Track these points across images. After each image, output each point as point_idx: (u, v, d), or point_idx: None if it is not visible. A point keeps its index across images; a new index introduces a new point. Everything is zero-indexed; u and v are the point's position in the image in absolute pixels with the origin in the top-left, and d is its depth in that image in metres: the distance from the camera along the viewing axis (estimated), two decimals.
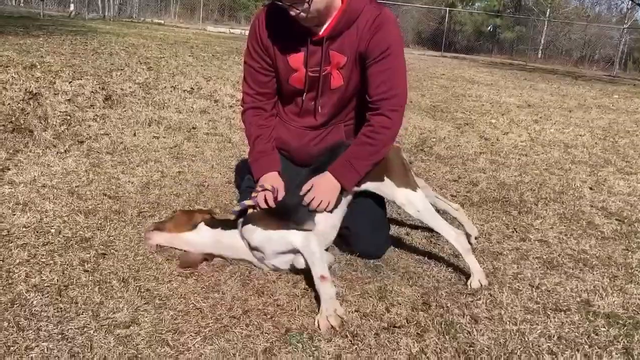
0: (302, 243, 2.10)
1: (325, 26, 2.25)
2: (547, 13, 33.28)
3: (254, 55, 2.41)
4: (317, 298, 2.06)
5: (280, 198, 2.32)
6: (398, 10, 33.99)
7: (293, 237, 2.13)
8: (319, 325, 1.87)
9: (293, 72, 2.35)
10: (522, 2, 36.57)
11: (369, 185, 2.33)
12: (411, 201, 2.28)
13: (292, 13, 2.13)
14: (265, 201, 2.29)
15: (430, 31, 34.10)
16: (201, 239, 2.28)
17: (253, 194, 2.33)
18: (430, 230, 2.87)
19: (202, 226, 2.30)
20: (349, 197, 2.39)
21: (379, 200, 2.47)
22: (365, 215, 2.44)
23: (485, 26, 35.73)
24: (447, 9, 30.85)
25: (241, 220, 2.28)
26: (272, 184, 2.35)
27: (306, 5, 2.09)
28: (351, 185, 2.30)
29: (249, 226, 2.20)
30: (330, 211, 2.28)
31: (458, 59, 23.10)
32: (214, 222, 2.34)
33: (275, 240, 2.16)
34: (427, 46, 30.54)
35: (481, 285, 2.23)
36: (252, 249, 2.22)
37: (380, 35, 2.22)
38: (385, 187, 2.31)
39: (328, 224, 2.29)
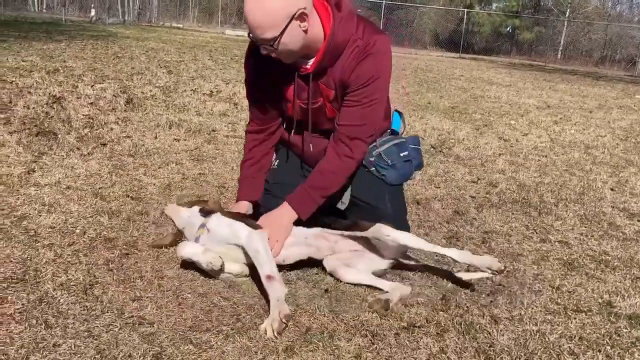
0: (247, 238, 2.11)
1: (312, 60, 2.21)
2: (567, 13, 32.94)
3: (252, 81, 2.43)
4: (337, 299, 2.08)
5: None
6: (415, 12, 33.92)
7: (241, 229, 2.14)
8: (265, 331, 1.82)
9: (288, 102, 2.36)
10: (541, 3, 36.23)
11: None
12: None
13: (263, 52, 2.11)
14: None
15: (448, 32, 33.94)
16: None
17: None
18: (450, 231, 2.88)
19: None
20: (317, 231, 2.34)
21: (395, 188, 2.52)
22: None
23: (504, 27, 35.47)
24: (465, 10, 30.71)
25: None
26: None
27: (272, 48, 2.06)
28: (307, 215, 2.28)
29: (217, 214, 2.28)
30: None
31: (476, 60, 22.97)
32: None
33: (224, 227, 2.18)
34: (445, 47, 30.40)
35: (499, 270, 2.14)
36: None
37: (363, 68, 2.17)
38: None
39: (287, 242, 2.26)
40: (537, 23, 33.24)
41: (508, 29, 35.71)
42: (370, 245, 2.29)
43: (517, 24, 34.42)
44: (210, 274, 2.15)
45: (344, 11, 2.17)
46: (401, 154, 2.58)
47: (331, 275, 2.23)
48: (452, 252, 2.21)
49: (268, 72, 2.31)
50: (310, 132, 2.44)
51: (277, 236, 2.22)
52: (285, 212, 2.28)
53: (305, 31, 2.08)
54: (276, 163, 2.68)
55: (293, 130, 2.47)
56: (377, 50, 2.17)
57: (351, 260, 2.25)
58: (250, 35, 2.10)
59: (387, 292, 2.12)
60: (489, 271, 2.16)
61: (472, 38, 33.85)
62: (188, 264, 2.21)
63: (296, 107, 2.34)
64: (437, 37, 34.31)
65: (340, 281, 2.20)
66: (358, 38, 2.16)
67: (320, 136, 2.48)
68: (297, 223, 2.31)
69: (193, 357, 1.67)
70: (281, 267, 2.21)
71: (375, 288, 2.17)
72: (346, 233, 2.30)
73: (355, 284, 2.18)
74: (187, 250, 2.13)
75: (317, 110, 2.35)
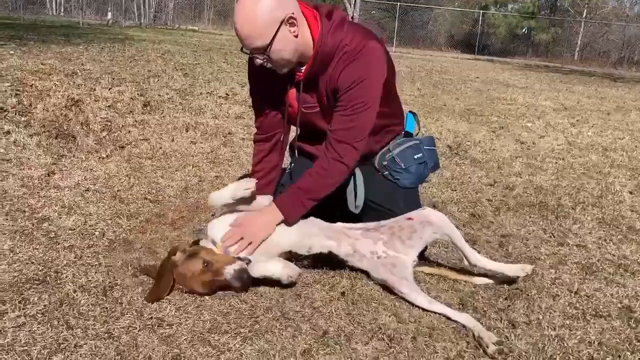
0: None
1: (304, 68, 2.22)
2: (584, 14, 32.60)
3: (255, 90, 2.46)
4: (354, 302, 2.08)
5: None
6: (430, 14, 33.79)
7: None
8: None
9: (289, 108, 2.38)
10: (558, 3, 35.92)
11: None
12: None
13: (257, 62, 2.13)
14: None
15: (463, 34, 33.79)
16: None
17: None
18: (467, 234, 2.87)
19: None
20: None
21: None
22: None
23: (520, 28, 35.20)
24: (481, 11, 30.53)
25: None
26: None
27: (265, 56, 2.08)
28: (294, 218, 2.25)
29: None
30: None
31: (492, 62, 22.84)
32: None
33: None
34: (460, 49, 30.25)
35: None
36: None
37: (348, 71, 2.16)
38: None
39: None
40: (554, 24, 32.92)
41: (524, 30, 35.44)
42: (392, 239, 2.27)
43: (533, 25, 34.13)
44: (284, 285, 2.12)
45: (335, 19, 2.18)
46: (415, 157, 2.57)
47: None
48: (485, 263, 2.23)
49: (270, 81, 2.32)
50: (313, 137, 2.44)
51: (251, 237, 2.17)
52: (270, 212, 2.24)
53: (296, 36, 2.09)
54: (291, 166, 2.69)
55: (297, 136, 2.48)
56: (364, 54, 2.16)
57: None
58: (243, 47, 2.11)
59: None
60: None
61: (488, 39, 33.62)
62: None
63: (298, 113, 2.36)
64: (452, 39, 34.14)
65: (357, 284, 2.21)
66: (346, 44, 2.16)
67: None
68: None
69: (211, 359, 1.69)
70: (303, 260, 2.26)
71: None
72: (382, 223, 2.32)
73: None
74: (271, 267, 2.08)
75: (316, 116, 2.36)
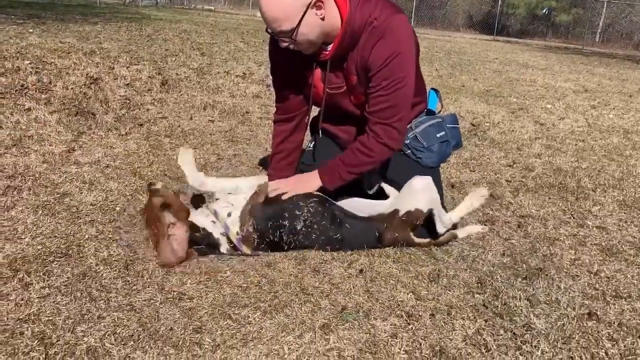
0: None
1: (330, 47, 2.21)
2: None
3: (276, 69, 2.45)
4: (372, 279, 2.09)
5: None
6: None
7: None
8: None
9: (312, 87, 2.36)
10: None
11: None
12: None
13: (282, 45, 2.13)
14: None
15: (482, 14, 33.22)
16: None
17: None
18: (485, 214, 2.86)
19: None
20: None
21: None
22: None
23: (540, 9, 34.52)
24: None
25: None
26: None
27: (291, 39, 2.08)
28: (332, 186, 2.34)
29: None
30: None
31: (511, 43, 22.50)
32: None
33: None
34: (478, 30, 29.83)
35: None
36: None
37: (379, 49, 2.14)
38: None
39: None
40: (575, 5, 32.21)
41: (544, 11, 34.74)
42: None
43: (554, 6, 33.44)
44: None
45: None
46: (438, 135, 2.55)
47: None
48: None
49: (292, 60, 2.31)
50: (337, 118, 2.44)
51: (289, 187, 2.29)
52: (313, 177, 2.35)
53: (323, 19, 2.08)
54: (311, 145, 2.69)
55: (321, 117, 2.47)
56: (393, 30, 2.14)
57: None
58: (268, 29, 2.11)
59: None
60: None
61: (507, 20, 33.06)
62: None
63: (323, 93, 2.34)
64: (471, 19, 33.60)
65: (375, 262, 2.22)
66: (374, 19, 2.14)
67: (351, 123, 2.48)
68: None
69: (232, 332, 1.71)
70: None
71: None
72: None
73: None
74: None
75: (342, 96, 2.34)
